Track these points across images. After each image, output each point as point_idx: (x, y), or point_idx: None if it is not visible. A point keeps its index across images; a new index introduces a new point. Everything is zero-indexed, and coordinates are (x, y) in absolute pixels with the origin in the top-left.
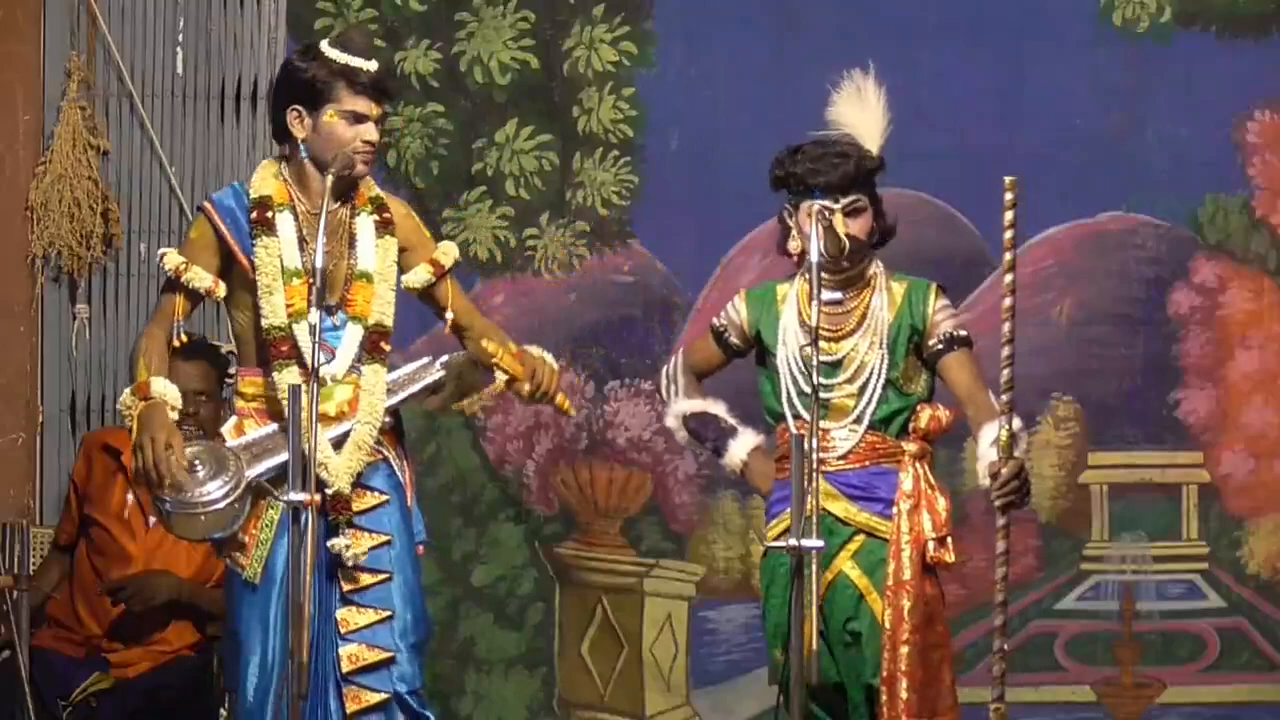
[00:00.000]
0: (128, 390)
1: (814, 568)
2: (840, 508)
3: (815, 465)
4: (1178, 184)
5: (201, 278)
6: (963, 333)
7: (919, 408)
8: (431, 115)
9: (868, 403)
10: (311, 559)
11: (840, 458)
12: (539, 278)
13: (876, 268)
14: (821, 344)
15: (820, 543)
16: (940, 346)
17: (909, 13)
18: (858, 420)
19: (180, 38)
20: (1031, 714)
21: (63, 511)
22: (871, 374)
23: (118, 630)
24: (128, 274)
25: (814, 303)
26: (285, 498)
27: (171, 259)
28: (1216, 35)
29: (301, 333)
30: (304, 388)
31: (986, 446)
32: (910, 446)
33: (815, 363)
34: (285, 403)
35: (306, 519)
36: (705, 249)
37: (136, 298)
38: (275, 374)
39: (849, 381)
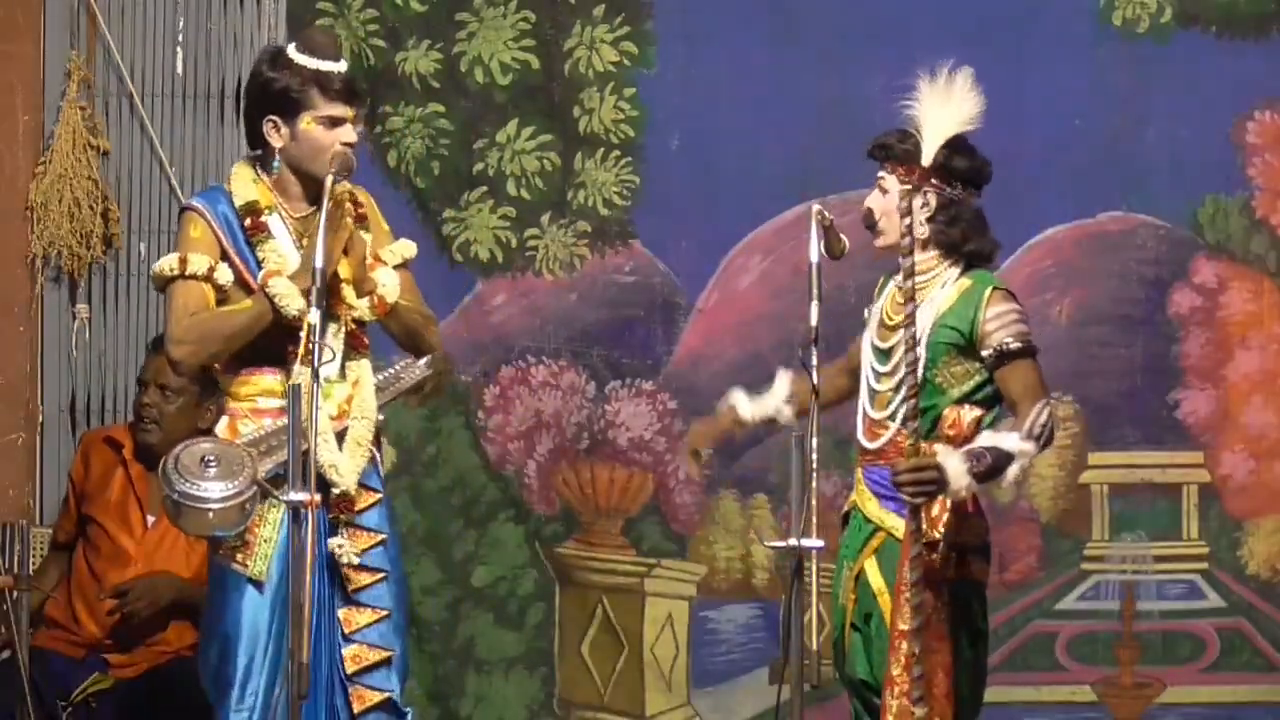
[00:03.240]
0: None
1: (814, 567)
2: (868, 504)
3: (813, 465)
4: (1178, 184)
5: (202, 262)
6: (1015, 345)
7: (947, 409)
8: (432, 115)
9: (900, 400)
10: (311, 558)
11: (876, 453)
12: (540, 278)
13: (941, 264)
14: (881, 332)
15: (820, 542)
16: (992, 360)
17: (908, 13)
18: (891, 417)
19: (180, 38)
20: (1031, 714)
21: (61, 510)
22: (905, 370)
23: (117, 631)
24: (128, 274)
25: (812, 302)
26: (286, 497)
27: (169, 261)
28: (1216, 35)
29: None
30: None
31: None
32: (937, 447)
33: (814, 362)
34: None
35: (307, 518)
36: (705, 249)
37: (136, 298)
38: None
39: (889, 375)
